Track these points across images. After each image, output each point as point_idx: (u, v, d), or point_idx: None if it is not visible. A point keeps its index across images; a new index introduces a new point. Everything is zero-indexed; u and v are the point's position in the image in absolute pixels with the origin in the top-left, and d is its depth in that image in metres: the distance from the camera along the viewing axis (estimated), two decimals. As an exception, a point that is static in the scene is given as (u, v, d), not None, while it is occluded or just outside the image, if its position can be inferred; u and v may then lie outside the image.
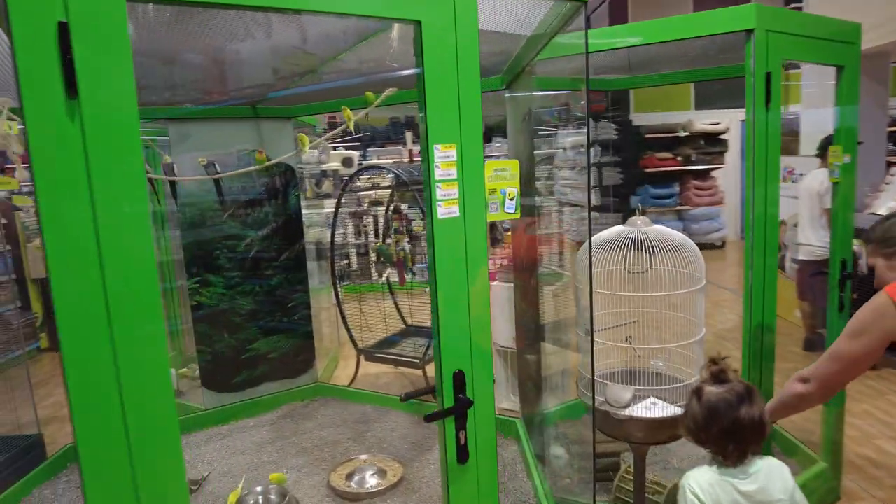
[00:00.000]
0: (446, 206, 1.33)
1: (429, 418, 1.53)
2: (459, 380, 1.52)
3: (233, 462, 3.43)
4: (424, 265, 4.32)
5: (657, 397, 2.08)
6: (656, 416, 1.99)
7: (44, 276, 6.13)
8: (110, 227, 1.02)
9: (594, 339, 2.02)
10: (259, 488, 3.05)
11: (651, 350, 2.19)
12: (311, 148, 3.25)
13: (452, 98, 1.32)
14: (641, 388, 2.11)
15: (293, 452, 3.52)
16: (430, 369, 4.66)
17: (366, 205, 8.40)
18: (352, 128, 3.29)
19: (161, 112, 3.74)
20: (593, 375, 2.00)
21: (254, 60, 3.48)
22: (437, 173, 1.31)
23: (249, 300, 4.07)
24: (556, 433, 3.31)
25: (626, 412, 1.98)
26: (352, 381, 4.45)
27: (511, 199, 1.45)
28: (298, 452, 3.51)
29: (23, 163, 2.66)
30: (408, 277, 4.33)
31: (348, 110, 3.27)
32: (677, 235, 2.23)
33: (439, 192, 1.32)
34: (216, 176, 3.28)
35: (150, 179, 3.36)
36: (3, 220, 5.83)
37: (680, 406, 1.96)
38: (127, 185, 1.02)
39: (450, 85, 1.32)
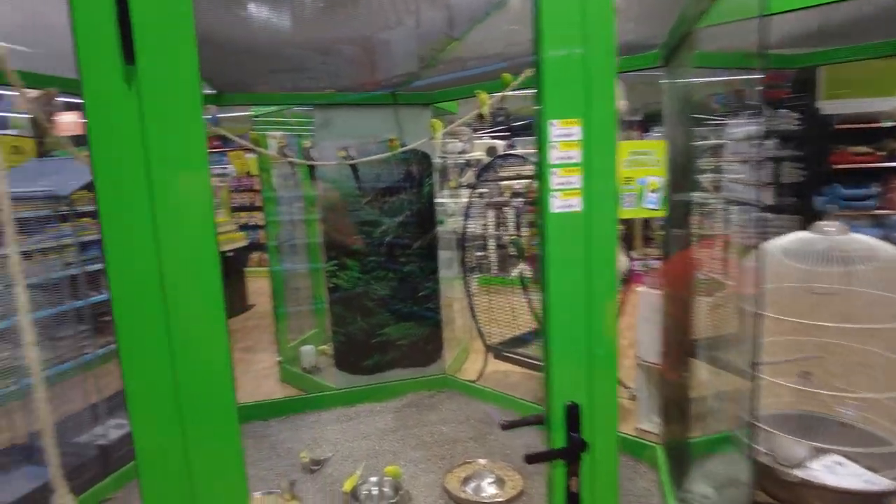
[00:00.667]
0: (564, 197, 1.06)
1: (530, 459, 1.28)
2: (573, 415, 1.25)
3: (354, 446, 3.45)
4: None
5: (844, 456, 1.61)
6: (847, 485, 1.52)
7: (216, 251, 6.85)
8: (168, 203, 0.92)
9: (760, 371, 1.60)
10: (374, 478, 3.02)
11: (839, 395, 1.70)
12: (444, 133, 3.11)
13: (576, 58, 1.02)
14: (824, 444, 1.64)
15: (413, 444, 3.45)
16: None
17: (507, 195, 8.19)
18: (485, 112, 3.09)
19: (307, 98, 3.86)
20: (754, 419, 1.59)
21: (399, 47, 3.43)
22: (553, 156, 1.04)
23: (383, 285, 4.09)
24: (704, 469, 2.83)
25: (800, 473, 1.54)
26: (479, 377, 4.30)
27: (653, 192, 1.13)
28: (418, 445, 3.44)
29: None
30: (542, 274, 4.05)
31: (483, 94, 3.08)
32: (886, 248, 1.70)
33: (555, 181, 1.05)
34: (351, 162, 3.29)
35: (290, 162, 3.47)
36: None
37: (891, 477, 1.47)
38: (186, 157, 0.91)
39: (573, 37, 1.02)
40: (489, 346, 4.21)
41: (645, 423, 3.64)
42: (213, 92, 3.56)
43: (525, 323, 4.54)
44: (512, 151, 8.74)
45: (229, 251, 6.76)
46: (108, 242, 0.93)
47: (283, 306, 5.00)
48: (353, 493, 2.89)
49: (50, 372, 3.78)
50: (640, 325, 3.63)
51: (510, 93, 3.13)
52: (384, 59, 3.61)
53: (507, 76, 3.09)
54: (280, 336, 4.86)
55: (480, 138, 10.02)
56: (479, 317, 4.32)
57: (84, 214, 5.41)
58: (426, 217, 4.14)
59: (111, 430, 3.59)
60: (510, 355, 4.04)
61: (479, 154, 8.63)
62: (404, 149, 3.31)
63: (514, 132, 12.16)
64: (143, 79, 0.84)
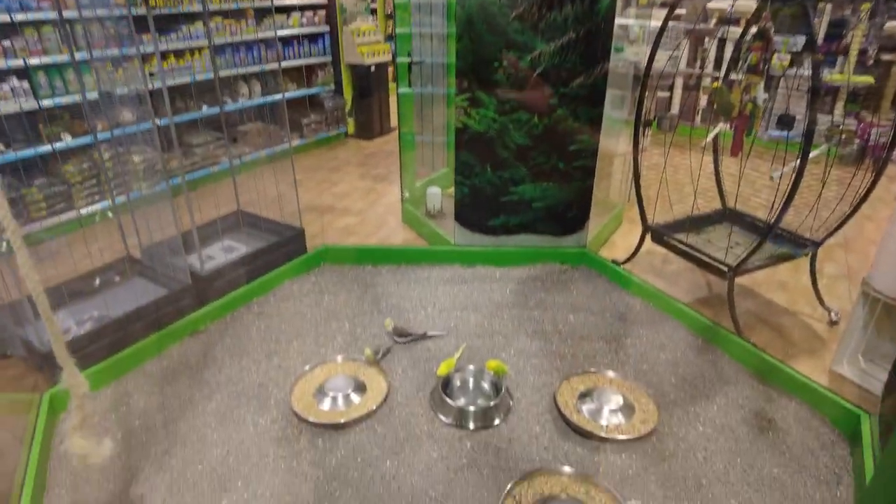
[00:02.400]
0: None
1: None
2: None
3: (462, 318, 2.96)
4: (778, 133, 2.78)
5: None
6: None
7: (356, 63, 6.26)
8: None
9: None
10: (472, 368, 2.53)
11: None
12: None
13: None
14: None
15: (529, 331, 2.87)
16: (744, 282, 3.34)
17: (713, 21, 6.32)
18: None
19: None
20: None
21: None
22: None
23: (523, 133, 3.23)
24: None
25: None
26: (629, 258, 3.47)
27: None
28: (535, 333, 2.85)
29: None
30: (747, 143, 2.88)
31: None
32: None
33: None
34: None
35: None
36: (324, 0, 5.88)
37: None
38: None
39: None
40: (649, 227, 3.29)
41: (844, 366, 2.66)
42: None
43: (706, 202, 3.48)
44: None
45: (372, 65, 6.12)
46: None
47: (412, 136, 4.38)
48: (445, 381, 2.43)
49: (173, 181, 3.68)
50: (887, 239, 2.47)
51: None
52: None
53: None
54: (405, 170, 4.32)
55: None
56: (647, 182, 3.34)
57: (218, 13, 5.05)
58: (597, 44, 3.04)
59: (219, 253, 3.46)
60: (676, 243, 3.11)
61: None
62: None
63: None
64: None
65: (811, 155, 2.51)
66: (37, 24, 4.03)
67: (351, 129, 6.48)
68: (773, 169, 2.76)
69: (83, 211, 4.35)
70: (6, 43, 3.92)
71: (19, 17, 3.88)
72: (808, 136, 2.45)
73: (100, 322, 2.78)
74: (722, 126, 3.07)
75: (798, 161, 2.55)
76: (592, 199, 3.48)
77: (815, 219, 2.93)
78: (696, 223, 3.36)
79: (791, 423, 2.30)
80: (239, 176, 3.79)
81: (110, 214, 4.23)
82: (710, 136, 3.05)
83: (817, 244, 3.04)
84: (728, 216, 3.46)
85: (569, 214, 3.46)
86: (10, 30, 3.91)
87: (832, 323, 3.06)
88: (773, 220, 2.66)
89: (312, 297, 3.17)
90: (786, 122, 4.11)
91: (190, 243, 3.13)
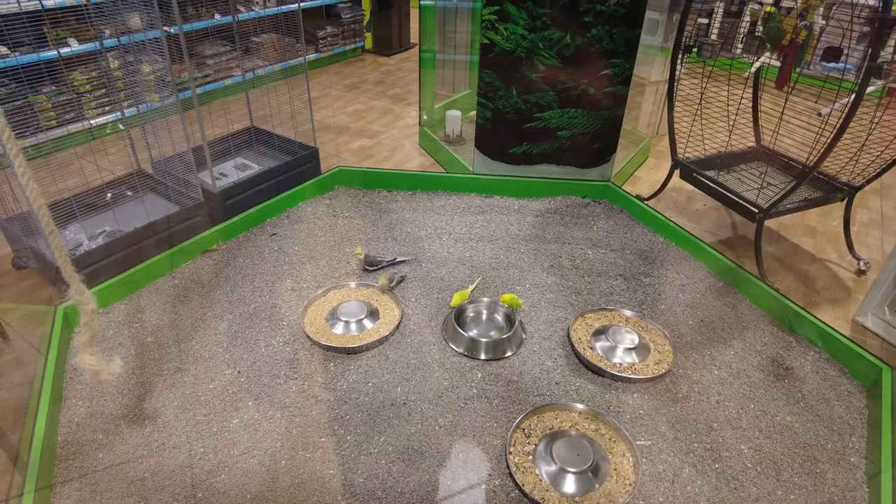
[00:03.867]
0: None
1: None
2: None
3: (477, 249, 2.89)
4: (831, 64, 2.55)
5: None
6: None
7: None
8: None
9: None
10: (486, 300, 2.49)
11: None
12: None
13: None
14: None
15: (545, 265, 2.80)
16: (771, 224, 3.22)
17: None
18: None
19: None
20: None
21: None
22: None
23: (553, 53, 3.01)
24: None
25: None
26: (654, 194, 3.33)
27: None
28: (551, 268, 2.78)
29: None
30: (795, 75, 2.66)
31: None
32: None
33: None
34: None
35: None
36: None
37: None
38: None
39: None
40: (678, 161, 3.13)
41: (868, 318, 2.58)
42: None
43: (740, 137, 3.29)
44: None
45: (393, -25, 5.73)
46: None
47: (433, 53, 4.15)
48: (459, 311, 2.40)
49: (183, 95, 3.53)
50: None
51: None
52: None
53: None
54: (424, 90, 4.12)
55: None
56: (676, 115, 3.14)
57: None
58: (639, -45, 2.77)
59: (232, 170, 3.37)
60: (705, 180, 2.96)
61: None
62: None
63: None
64: None
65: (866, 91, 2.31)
66: (36, -86, 3.75)
67: (369, 43, 6.17)
68: (821, 107, 2.56)
69: (93, 122, 4.25)
70: (5, -66, 3.67)
71: None
72: (868, 71, 2.24)
73: (111, 237, 2.75)
74: (767, 57, 2.83)
75: (852, 98, 2.35)
76: (620, 130, 3.30)
77: (857, 163, 2.76)
78: (728, 160, 3.19)
79: (808, 371, 2.26)
80: (252, 90, 3.64)
81: (121, 126, 4.12)
82: (755, 65, 2.82)
83: (855, 189, 2.89)
84: (762, 155, 3.28)
85: (595, 145, 3.30)
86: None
87: (860, 272, 2.95)
88: (813, 162, 2.50)
89: (326, 220, 3.10)
90: (833, 54, 3.80)
91: (202, 159, 3.04)
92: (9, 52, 3.86)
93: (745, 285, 2.65)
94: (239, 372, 2.15)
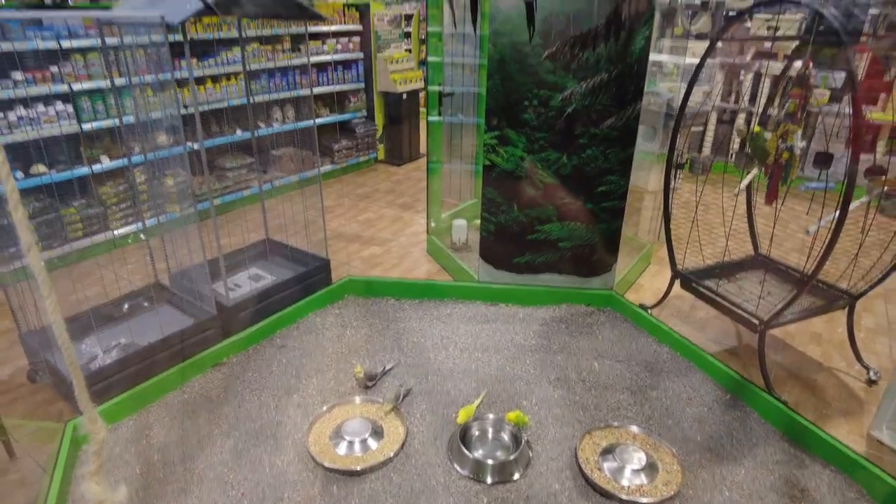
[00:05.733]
0: None
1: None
2: None
3: (482, 361, 2.92)
4: (815, 185, 2.70)
5: None
6: None
7: (389, 90, 6.33)
8: None
9: None
10: (492, 416, 2.48)
11: None
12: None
13: None
14: None
15: (552, 377, 2.81)
16: (776, 332, 3.23)
17: (749, 55, 6.21)
18: None
19: None
20: None
21: None
22: None
23: (551, 172, 3.20)
24: None
25: None
26: (657, 304, 3.39)
27: None
28: (558, 381, 2.79)
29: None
30: (782, 191, 2.80)
31: None
32: None
33: None
34: (529, -2, 2.27)
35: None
36: (359, 27, 5.98)
37: None
38: None
39: None
40: (678, 273, 3.21)
41: (883, 432, 2.53)
42: None
43: (738, 244, 3.39)
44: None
45: (404, 93, 6.19)
46: None
47: (440, 164, 4.39)
48: (464, 430, 2.39)
49: (201, 206, 3.74)
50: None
51: None
52: None
53: None
54: (432, 201, 4.33)
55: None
56: (674, 222, 3.27)
57: (255, 39, 5.15)
58: (629, 84, 3.01)
59: (246, 281, 3.50)
60: (705, 291, 3.03)
61: (723, -7, 6.56)
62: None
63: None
64: None
65: (851, 206, 2.42)
66: (83, 51, 4.18)
67: (381, 154, 6.54)
68: (810, 222, 2.67)
69: (116, 232, 4.47)
70: (54, 69, 4.08)
71: (67, 44, 4.04)
72: (849, 188, 2.36)
73: (126, 350, 2.82)
74: (756, 172, 2.99)
75: (837, 213, 2.46)
76: (621, 238, 3.42)
77: (854, 268, 2.83)
78: (727, 270, 3.27)
79: (825, 492, 2.19)
80: (269, 200, 3.85)
81: (142, 237, 4.32)
82: (744, 182, 2.97)
83: (855, 297, 2.93)
84: (761, 263, 3.36)
85: (596, 255, 3.41)
86: (59, 56, 4.07)
87: (871, 382, 2.93)
88: (808, 274, 2.57)
89: (335, 331, 3.17)
90: (823, 160, 3.99)
91: (217, 271, 3.17)
92: (47, 170, 4.16)
93: (753, 398, 2.63)
94: (244, 494, 2.13)
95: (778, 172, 2.78)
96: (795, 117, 2.74)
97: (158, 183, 3.57)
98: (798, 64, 2.88)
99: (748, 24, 5.73)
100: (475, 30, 3.36)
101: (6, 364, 3.14)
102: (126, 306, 3.27)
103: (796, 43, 3.07)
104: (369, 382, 2.70)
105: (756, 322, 2.73)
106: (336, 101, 6.04)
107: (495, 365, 2.89)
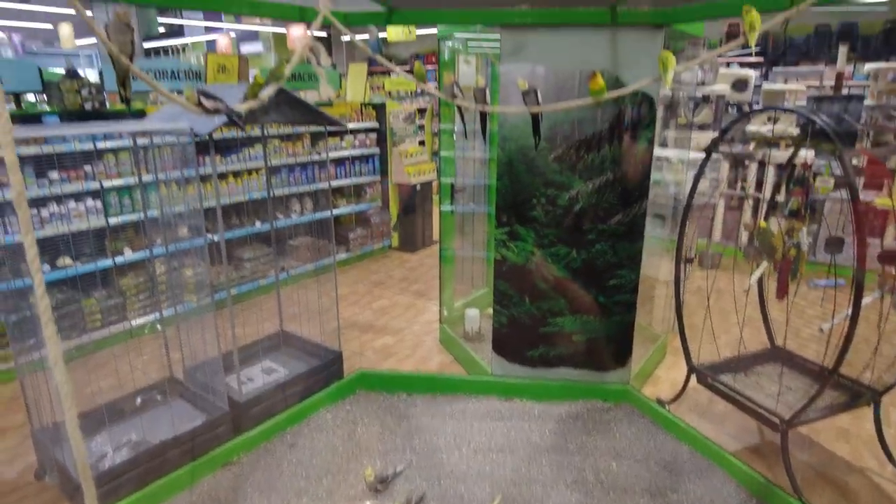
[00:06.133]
0: None
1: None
2: None
3: (497, 462, 2.84)
4: (825, 282, 2.71)
5: None
6: None
7: (403, 182, 6.57)
8: None
9: None
10: (508, 525, 2.39)
11: None
12: (689, 68, 2.06)
13: None
14: None
15: (569, 479, 2.72)
16: (807, 430, 3.14)
17: (752, 145, 6.42)
18: (752, 42, 2.01)
19: (489, 17, 3.00)
20: None
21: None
22: None
23: (561, 266, 3.25)
24: None
25: None
26: (674, 399, 3.32)
27: None
28: (575, 483, 2.70)
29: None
30: (793, 289, 2.81)
31: (753, 13, 1.96)
32: None
33: None
34: (536, 109, 2.41)
35: (458, 106, 2.72)
36: (376, 124, 6.31)
37: None
38: None
39: None
40: (694, 368, 3.17)
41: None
42: (384, 9, 2.91)
43: (753, 333, 3.36)
44: (773, 87, 6.81)
45: (418, 184, 6.42)
46: None
47: (452, 252, 4.48)
48: (479, 539, 2.30)
49: (219, 295, 3.82)
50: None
51: (804, 8, 1.95)
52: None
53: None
54: (444, 289, 4.37)
55: (727, 65, 8.03)
56: (686, 315, 3.26)
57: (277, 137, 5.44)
58: (635, 183, 3.12)
59: (259, 374, 3.50)
60: (722, 388, 2.97)
61: (721, 87, 6.89)
62: (616, 93, 2.32)
63: (768, 58, 9.60)
64: None
65: (864, 301, 2.42)
66: (116, 151, 4.44)
67: (395, 241, 6.69)
68: (824, 311, 2.66)
69: (134, 322, 4.54)
70: (88, 168, 4.32)
71: (101, 144, 4.30)
72: (858, 288, 2.37)
73: (136, 449, 2.79)
74: (766, 266, 3.02)
75: (849, 310, 2.46)
76: (634, 330, 3.41)
77: (877, 360, 2.77)
78: (744, 363, 3.23)
79: None
80: (285, 289, 3.91)
81: (159, 327, 4.38)
82: (754, 277, 2.99)
83: (880, 393, 2.85)
84: (777, 355, 3.31)
85: (610, 349, 3.39)
86: (94, 156, 4.32)
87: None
88: (828, 369, 2.53)
89: (346, 428, 3.12)
90: (834, 244, 4.01)
91: (231, 364, 3.18)
92: (72, 262, 4.30)
93: (779, 503, 2.52)
94: None
95: (787, 268, 2.81)
96: (800, 214, 2.80)
97: (177, 274, 3.68)
98: (802, 153, 2.99)
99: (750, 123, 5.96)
100: (485, 140, 3.54)
101: (17, 460, 3.11)
102: (139, 400, 3.27)
103: (795, 141, 3.19)
104: (380, 486, 2.63)
105: (777, 421, 2.65)
106: (353, 192, 6.26)
107: (510, 466, 2.82)
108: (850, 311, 2.44)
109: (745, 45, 2.06)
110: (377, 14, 2.88)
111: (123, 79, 1.71)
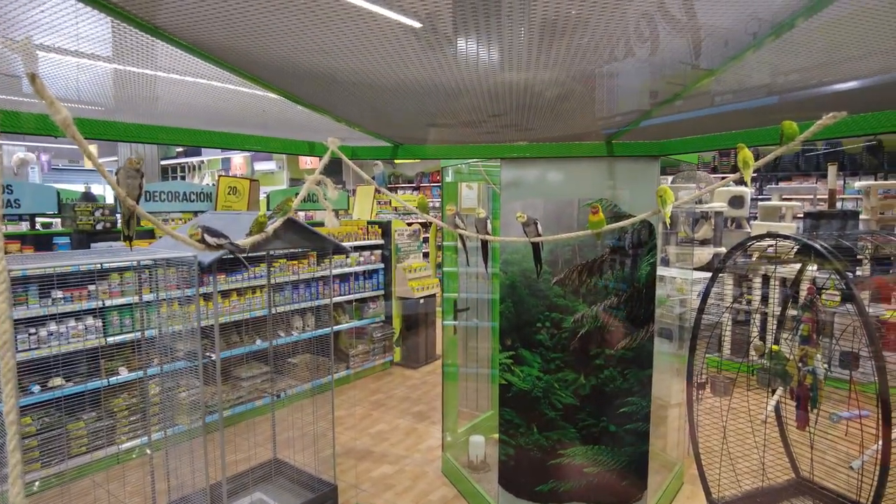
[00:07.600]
0: None
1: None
2: None
3: None
4: (848, 414, 2.57)
5: None
6: None
7: (406, 296, 6.57)
8: None
9: None
10: None
11: None
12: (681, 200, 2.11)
13: None
14: None
15: None
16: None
17: (753, 256, 6.45)
18: (748, 178, 2.07)
19: (489, 151, 3.14)
20: None
21: (622, 84, 2.54)
22: None
23: (569, 392, 3.13)
24: None
25: None
26: (696, 539, 3.05)
27: None
28: None
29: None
30: (812, 418, 2.67)
31: (746, 150, 2.03)
32: None
33: None
34: (536, 239, 2.44)
35: (460, 235, 2.76)
36: (381, 241, 6.42)
37: None
38: None
39: None
40: (712, 501, 2.94)
41: None
42: (390, 145, 3.05)
43: (774, 466, 3.14)
44: (769, 203, 6.99)
45: (421, 298, 6.41)
46: None
47: (455, 368, 4.35)
48: None
49: (210, 418, 3.65)
50: None
51: (795, 143, 2.01)
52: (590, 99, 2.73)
53: (789, 124, 2.00)
54: (447, 413, 4.19)
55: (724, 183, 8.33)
56: (701, 439, 3.07)
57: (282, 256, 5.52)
58: (639, 308, 3.08)
59: (248, 510, 3.26)
60: (750, 529, 2.73)
61: (718, 205, 7.09)
62: (614, 226, 2.34)
63: (761, 175, 9.98)
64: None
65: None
66: (121, 271, 4.47)
67: (397, 356, 6.55)
68: (850, 440, 2.50)
69: (122, 447, 4.32)
70: (91, 287, 4.33)
71: (107, 263, 4.34)
72: (885, 409, 2.24)
73: None
74: (780, 393, 2.89)
75: (879, 444, 2.30)
76: (649, 460, 3.20)
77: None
78: (769, 497, 2.99)
79: None
80: (280, 411, 3.75)
81: (148, 451, 4.16)
82: (770, 406, 2.86)
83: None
84: (804, 488, 3.08)
85: (624, 482, 3.16)
86: (97, 275, 4.35)
87: None
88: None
89: (338, 576, 2.84)
90: (848, 360, 3.86)
91: (219, 496, 2.97)
92: (64, 382, 4.18)
93: None
94: None
95: (805, 396, 2.68)
96: (812, 340, 2.72)
97: (171, 395, 3.55)
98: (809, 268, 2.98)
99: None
100: (486, 269, 3.57)
101: None
102: (116, 542, 3.02)
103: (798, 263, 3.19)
104: None
105: (814, 573, 2.40)
106: (355, 308, 6.23)
107: None
108: (880, 445, 2.29)
109: (741, 181, 2.11)
110: (384, 148, 3.02)
111: (129, 219, 1.74)
